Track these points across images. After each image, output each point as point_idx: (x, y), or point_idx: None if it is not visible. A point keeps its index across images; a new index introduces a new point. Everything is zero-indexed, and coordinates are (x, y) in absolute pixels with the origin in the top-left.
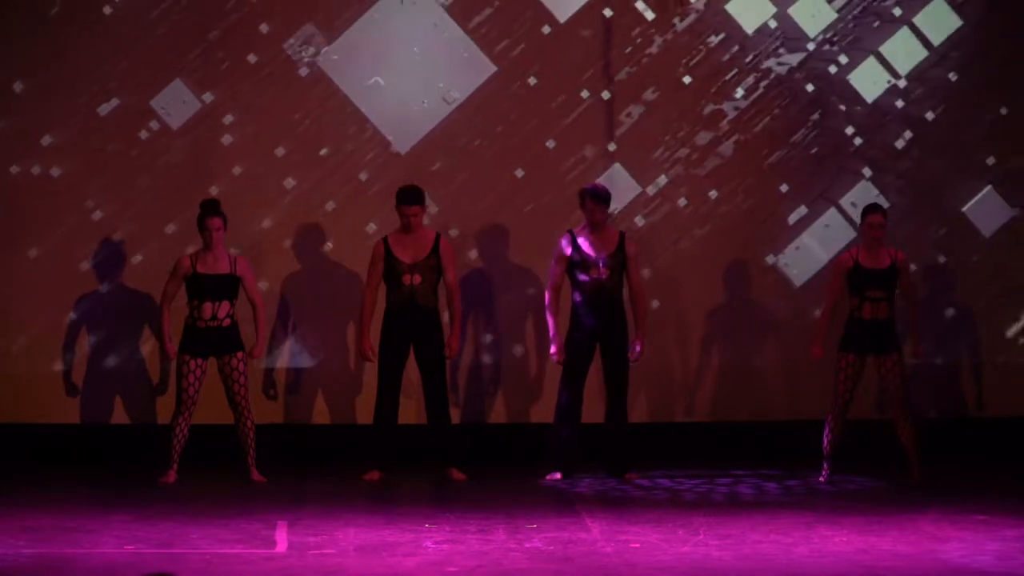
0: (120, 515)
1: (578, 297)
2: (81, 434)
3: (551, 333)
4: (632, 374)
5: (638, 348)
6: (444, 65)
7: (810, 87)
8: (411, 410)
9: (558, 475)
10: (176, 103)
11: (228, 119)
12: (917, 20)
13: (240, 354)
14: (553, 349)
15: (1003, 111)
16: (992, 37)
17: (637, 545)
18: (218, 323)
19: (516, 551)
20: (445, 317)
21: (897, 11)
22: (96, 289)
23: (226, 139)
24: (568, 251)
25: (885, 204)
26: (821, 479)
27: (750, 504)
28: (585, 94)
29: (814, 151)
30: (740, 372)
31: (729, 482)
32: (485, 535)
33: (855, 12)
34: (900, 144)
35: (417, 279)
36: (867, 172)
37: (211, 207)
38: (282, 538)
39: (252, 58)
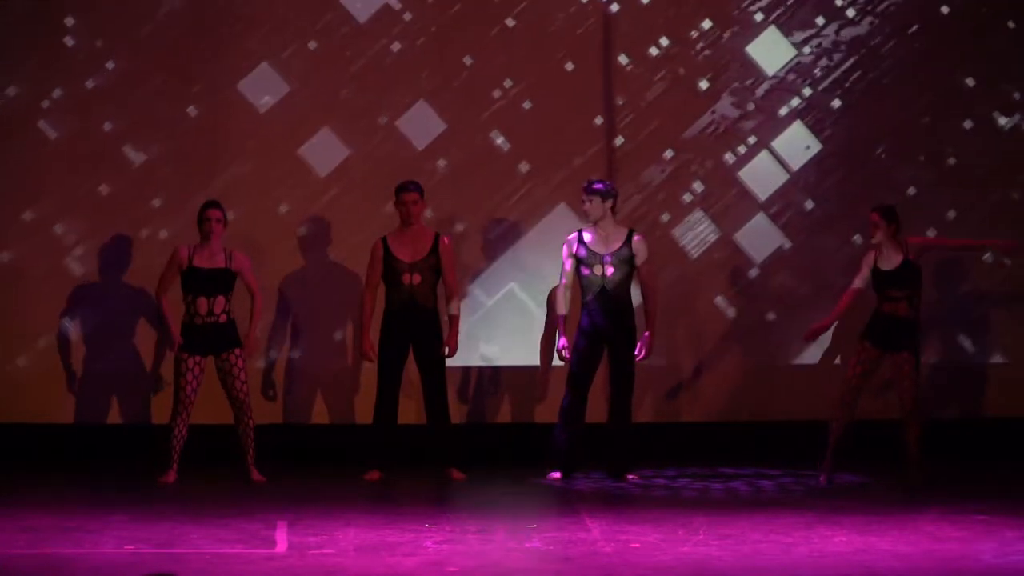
0: (120, 515)
1: (584, 296)
2: (81, 434)
3: (558, 329)
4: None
5: (645, 347)
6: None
7: (666, 216)
8: (411, 410)
9: (558, 475)
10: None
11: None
12: (775, 144)
13: (238, 351)
14: (561, 343)
15: (856, 239)
16: (849, 163)
17: (637, 545)
18: (215, 319)
19: (516, 551)
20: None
21: (752, 139)
22: (96, 290)
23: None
24: (575, 249)
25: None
26: (821, 480)
27: (750, 504)
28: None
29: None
30: (740, 372)
31: (728, 482)
32: (485, 535)
33: (717, 133)
34: (753, 273)
35: (417, 279)
36: (720, 302)
37: (212, 201)
38: (282, 538)
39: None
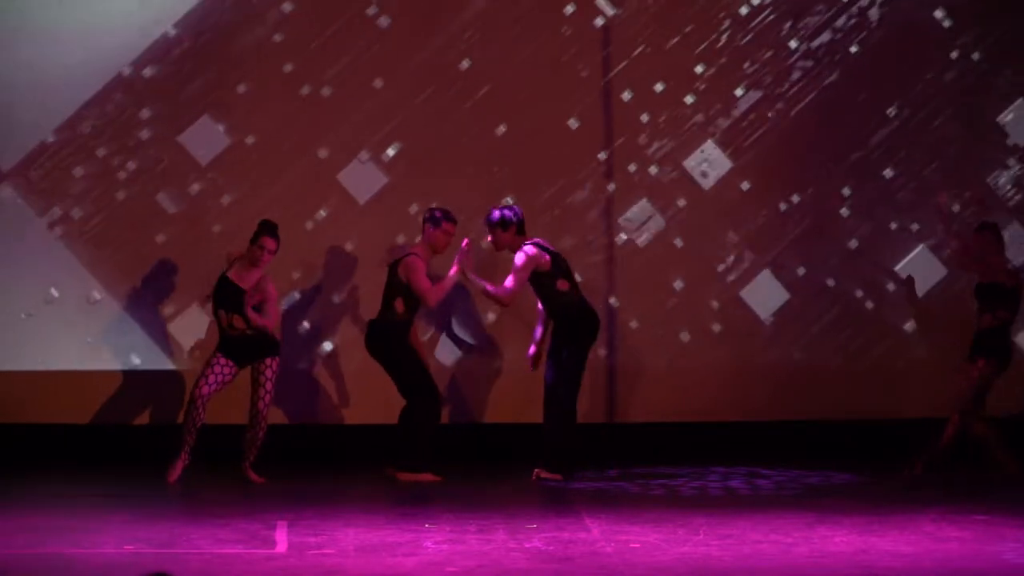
0: (120, 515)
1: None
2: (82, 434)
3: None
4: (628, 373)
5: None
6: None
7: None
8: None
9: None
10: None
11: None
12: None
13: (268, 360)
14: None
15: None
16: None
17: (637, 545)
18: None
19: (516, 551)
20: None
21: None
22: (99, 289)
23: None
24: None
25: None
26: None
27: (750, 504)
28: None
29: None
30: (741, 372)
31: (728, 482)
32: (485, 535)
33: None
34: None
35: None
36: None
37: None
38: (282, 538)
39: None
